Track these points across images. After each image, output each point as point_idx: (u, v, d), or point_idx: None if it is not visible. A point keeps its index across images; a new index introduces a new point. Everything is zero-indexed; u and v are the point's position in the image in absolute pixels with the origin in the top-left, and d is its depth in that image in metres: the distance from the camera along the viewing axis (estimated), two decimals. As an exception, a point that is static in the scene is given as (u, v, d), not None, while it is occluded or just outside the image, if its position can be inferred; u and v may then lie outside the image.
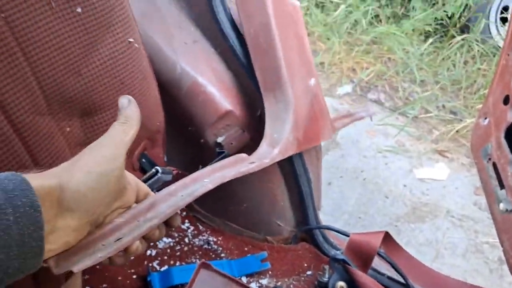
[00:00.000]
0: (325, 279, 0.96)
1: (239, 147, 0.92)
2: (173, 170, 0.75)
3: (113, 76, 0.67)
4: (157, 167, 0.74)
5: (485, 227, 1.75)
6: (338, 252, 1.04)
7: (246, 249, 1.04)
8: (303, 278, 1.02)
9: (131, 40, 0.69)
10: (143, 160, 0.84)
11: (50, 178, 0.46)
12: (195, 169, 0.92)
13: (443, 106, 2.32)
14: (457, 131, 2.14)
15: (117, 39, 0.67)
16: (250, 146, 0.95)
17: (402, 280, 1.03)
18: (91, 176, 0.48)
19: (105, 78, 0.66)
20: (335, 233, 1.12)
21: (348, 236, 1.01)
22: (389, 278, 1.03)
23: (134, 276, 0.93)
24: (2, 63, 0.55)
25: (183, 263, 1.00)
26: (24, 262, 0.41)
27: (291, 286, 1.00)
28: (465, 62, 2.54)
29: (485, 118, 1.23)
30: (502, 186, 1.21)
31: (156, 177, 0.73)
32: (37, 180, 0.43)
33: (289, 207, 1.05)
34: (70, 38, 0.61)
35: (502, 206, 1.17)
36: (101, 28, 0.64)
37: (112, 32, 0.66)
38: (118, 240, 0.53)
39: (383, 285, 0.99)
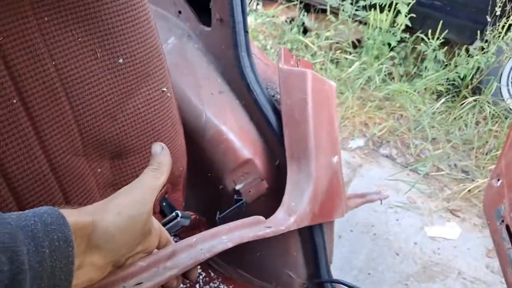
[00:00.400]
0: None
1: (257, 196, 0.94)
2: (192, 215, 0.77)
3: (145, 122, 0.71)
4: (177, 211, 0.76)
5: (497, 291, 1.71)
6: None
7: (256, 298, 1.04)
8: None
9: (164, 89, 0.73)
10: (164, 203, 0.86)
11: (84, 215, 0.48)
12: (212, 214, 0.94)
13: (455, 165, 2.33)
14: (469, 191, 2.13)
15: (152, 88, 0.71)
16: (266, 194, 0.97)
17: None
18: (121, 217, 0.50)
19: (138, 124, 0.70)
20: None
21: (360, 291, 1.01)
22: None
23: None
24: (48, 106, 0.59)
25: (193, 310, 1.00)
26: None
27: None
28: (477, 123, 2.58)
29: (498, 180, 1.25)
30: (515, 250, 1.20)
31: (175, 220, 0.75)
32: (73, 216, 0.46)
33: (302, 259, 1.05)
34: (110, 86, 0.65)
35: (516, 270, 1.16)
36: (139, 77, 0.69)
37: (148, 81, 0.70)
38: (138, 284, 0.54)
39: None
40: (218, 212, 0.92)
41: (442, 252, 1.86)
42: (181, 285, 1.02)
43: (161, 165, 0.56)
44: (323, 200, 0.95)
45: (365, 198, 1.44)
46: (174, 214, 0.76)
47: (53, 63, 0.58)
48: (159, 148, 0.57)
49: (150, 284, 0.54)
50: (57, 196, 0.62)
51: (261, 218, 0.80)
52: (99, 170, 0.69)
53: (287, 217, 0.87)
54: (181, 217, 0.76)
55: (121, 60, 0.66)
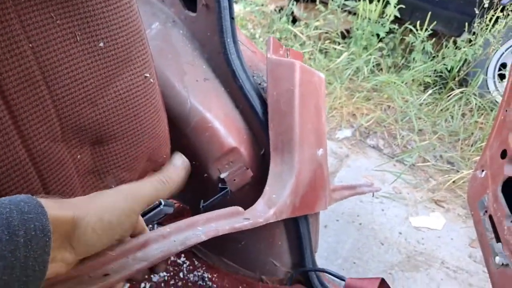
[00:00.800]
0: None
1: (242, 184, 0.94)
2: (175, 203, 0.76)
3: (127, 108, 0.70)
4: (160, 199, 0.75)
5: (480, 281, 1.74)
6: (333, 296, 1.03)
7: (240, 287, 1.04)
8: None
9: (147, 75, 0.72)
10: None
11: (65, 210, 0.47)
12: (196, 203, 0.93)
13: (441, 156, 2.35)
14: (454, 182, 2.15)
15: (134, 73, 0.70)
16: (251, 183, 0.97)
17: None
18: (102, 224, 0.49)
19: (119, 110, 0.69)
20: (330, 277, 1.12)
21: (344, 280, 1.01)
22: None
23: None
24: (25, 90, 0.57)
25: (176, 298, 0.99)
26: (25, 285, 0.40)
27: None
28: (463, 115, 2.60)
29: (482, 171, 1.25)
30: (498, 239, 1.22)
31: (158, 208, 0.74)
32: (53, 209, 0.44)
33: (287, 248, 1.05)
34: (90, 70, 0.64)
35: (498, 260, 1.17)
36: (121, 62, 0.67)
37: (130, 66, 0.68)
38: (105, 275, 0.53)
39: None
40: (202, 200, 0.92)
41: (426, 242, 1.88)
42: (165, 273, 1.01)
43: (170, 182, 0.54)
44: (305, 192, 0.94)
45: (355, 190, 1.45)
46: (157, 202, 0.75)
47: (30, 45, 0.56)
48: (179, 161, 0.54)
49: (118, 277, 0.53)
50: (35, 183, 0.60)
51: (240, 209, 0.79)
52: (79, 156, 0.68)
53: (266, 209, 0.87)
54: (164, 205, 0.75)
55: (101, 44, 0.64)
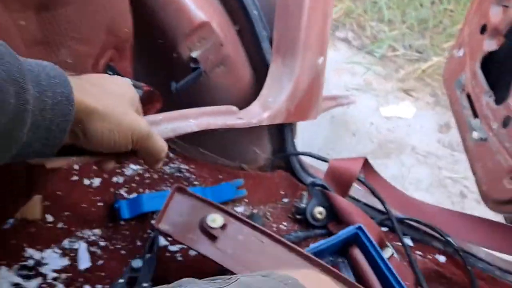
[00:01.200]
0: (303, 205, 0.93)
1: (217, 62, 0.84)
2: (143, 86, 0.67)
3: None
4: (127, 78, 0.65)
5: (448, 164, 1.79)
6: (315, 179, 1.00)
7: (220, 176, 0.99)
8: (279, 206, 0.98)
9: None
10: (110, 72, 0.75)
11: (89, 97, 0.44)
12: (167, 87, 0.83)
13: (410, 46, 2.30)
14: (423, 71, 2.13)
15: None
16: (227, 64, 0.88)
17: (378, 207, 1.02)
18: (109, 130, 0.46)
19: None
20: (311, 162, 1.09)
21: (327, 161, 0.98)
22: (366, 205, 1.02)
23: (100, 204, 0.86)
24: None
25: (152, 191, 0.94)
26: (42, 149, 0.40)
27: (268, 213, 0.96)
28: (432, 2, 2.51)
29: (459, 49, 1.20)
30: (475, 115, 1.21)
31: (125, 89, 0.65)
32: (77, 92, 0.42)
33: (267, 133, 0.99)
34: None
35: (475, 135, 1.17)
36: None
37: None
38: None
39: (360, 211, 0.98)
40: (173, 83, 0.82)
41: (396, 131, 1.90)
42: (138, 166, 0.95)
43: None
44: (300, 100, 0.92)
45: (335, 102, 1.57)
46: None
47: None
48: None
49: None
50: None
51: (234, 108, 0.77)
52: (22, 22, 0.56)
53: (261, 112, 0.85)
54: (132, 85, 0.65)
55: None
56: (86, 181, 0.89)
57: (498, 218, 1.41)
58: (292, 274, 0.50)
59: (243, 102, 0.89)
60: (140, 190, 0.92)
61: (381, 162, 1.76)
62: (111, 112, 0.45)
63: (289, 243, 0.76)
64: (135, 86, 0.67)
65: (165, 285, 0.49)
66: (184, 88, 0.80)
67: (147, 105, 0.85)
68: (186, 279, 0.47)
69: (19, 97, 0.35)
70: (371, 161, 1.76)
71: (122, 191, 0.90)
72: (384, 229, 1.01)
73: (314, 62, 0.92)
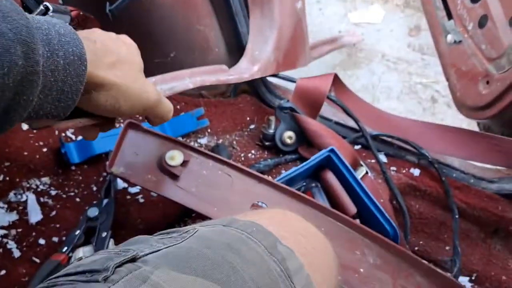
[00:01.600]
0: (271, 131, 0.87)
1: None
2: (72, 11, 0.55)
3: None
4: (46, 3, 0.53)
5: (418, 69, 1.73)
6: (283, 101, 0.93)
7: (178, 107, 0.90)
8: (246, 133, 0.91)
9: None
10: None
11: (101, 67, 0.41)
12: (101, 8, 0.71)
13: None
14: (392, -31, 1.98)
15: None
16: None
17: (350, 124, 0.97)
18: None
19: None
20: (278, 83, 1.01)
21: (294, 81, 0.90)
22: (337, 123, 0.96)
23: (44, 149, 0.77)
24: None
25: (103, 130, 0.84)
26: (55, 111, 0.38)
27: (234, 142, 0.89)
28: None
29: None
30: (449, 16, 1.12)
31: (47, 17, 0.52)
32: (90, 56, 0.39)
33: (225, 53, 0.89)
34: None
35: (450, 37, 1.09)
36: None
37: None
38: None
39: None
40: (108, 3, 0.70)
41: (366, 37, 1.80)
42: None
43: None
44: (287, 48, 0.90)
45: (335, 44, 1.48)
46: (42, 7, 0.53)
47: None
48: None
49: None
50: None
51: (224, 67, 0.76)
52: None
53: (250, 66, 0.84)
54: (54, 11, 0.53)
55: None
56: (25, 126, 0.78)
57: (472, 124, 1.39)
58: (257, 218, 0.45)
59: (195, 21, 0.78)
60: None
61: (351, 73, 1.69)
62: (120, 82, 0.43)
63: (258, 174, 0.70)
64: (59, 11, 0.55)
65: (115, 246, 0.42)
66: (121, 9, 0.68)
67: (84, 26, 0.73)
68: (138, 237, 0.42)
69: (28, 58, 0.32)
70: (340, 73, 1.69)
71: (69, 133, 0.80)
72: (357, 147, 0.97)
73: (293, 6, 0.88)
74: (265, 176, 0.71)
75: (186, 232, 0.41)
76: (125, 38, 0.49)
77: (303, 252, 0.43)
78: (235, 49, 0.89)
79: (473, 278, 0.96)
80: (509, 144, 0.85)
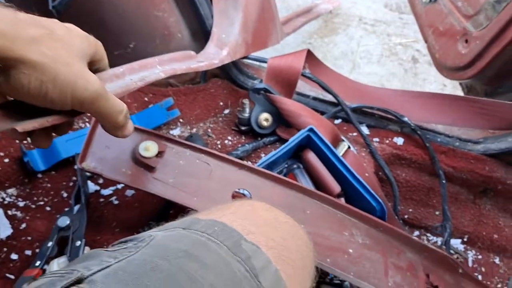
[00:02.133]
0: (246, 115, 0.83)
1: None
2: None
3: None
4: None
5: (397, 29, 1.69)
6: (256, 82, 0.88)
7: (146, 99, 0.85)
8: (221, 119, 0.87)
9: None
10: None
11: (20, 40, 0.35)
12: (43, 5, 0.65)
13: None
14: None
15: None
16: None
17: (329, 98, 0.93)
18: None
19: None
20: (251, 62, 0.96)
21: (265, 62, 0.85)
22: (315, 98, 0.93)
23: (6, 160, 0.72)
24: None
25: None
26: None
27: (209, 130, 0.85)
28: None
29: None
30: (424, -26, 1.06)
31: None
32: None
33: (189, 37, 0.84)
34: None
35: (425, -3, 1.04)
36: None
37: None
38: None
39: (309, 107, 0.88)
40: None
41: (341, 2, 1.74)
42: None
43: None
44: (255, 28, 0.85)
45: (311, 14, 1.40)
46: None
47: None
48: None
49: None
50: None
51: (192, 53, 0.71)
52: None
53: (219, 51, 0.79)
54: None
55: None
56: (-17, 139, 0.73)
57: (455, 83, 1.36)
58: (221, 215, 0.42)
59: (151, 8, 0.72)
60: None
61: (328, 40, 1.64)
62: (47, 62, 0.37)
63: (237, 160, 0.67)
64: None
65: (62, 267, 0.39)
66: (65, 4, 0.62)
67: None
68: (90, 252, 0.40)
69: None
70: (317, 41, 1.64)
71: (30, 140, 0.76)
72: (338, 121, 0.93)
73: (257, -16, 0.84)
74: (245, 162, 0.68)
75: (141, 240, 0.38)
76: (70, 25, 0.43)
77: (271, 245, 0.41)
78: (200, 33, 0.83)
79: (465, 239, 0.95)
80: (492, 106, 0.83)
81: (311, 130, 0.77)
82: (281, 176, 0.67)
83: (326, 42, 1.63)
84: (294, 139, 0.77)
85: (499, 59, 0.89)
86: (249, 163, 0.67)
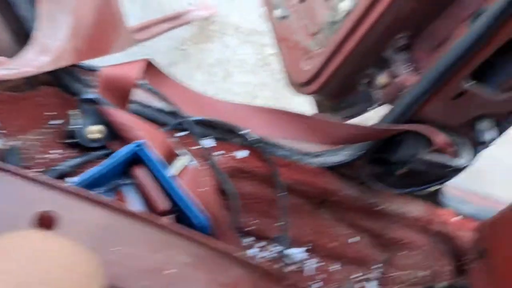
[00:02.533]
0: (71, 127, 0.78)
1: None
2: None
3: None
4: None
5: (271, 39, 1.73)
6: (85, 92, 0.84)
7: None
8: (48, 131, 0.82)
9: None
10: None
11: None
12: None
13: None
14: None
15: None
16: None
17: (171, 110, 0.92)
18: None
19: None
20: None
21: (95, 70, 0.82)
22: (157, 110, 0.91)
23: None
24: None
25: None
26: None
27: (36, 143, 0.79)
28: None
29: None
30: (276, -10, 1.09)
31: None
32: None
33: (12, 41, 0.78)
34: None
35: (278, 12, 1.08)
36: None
37: None
38: None
39: (148, 118, 0.86)
40: None
41: (218, 9, 1.75)
42: None
43: None
44: (90, 34, 0.81)
45: (179, 20, 1.39)
46: None
47: None
48: None
49: None
50: None
51: (3, 58, 0.69)
52: None
53: (39, 57, 0.74)
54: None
55: None
56: None
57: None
58: None
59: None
60: None
61: (204, 47, 1.63)
62: None
63: (45, 178, 0.63)
64: None
65: None
66: None
67: None
68: None
69: None
70: (192, 47, 1.63)
71: None
72: (183, 133, 0.92)
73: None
74: (55, 181, 0.64)
75: None
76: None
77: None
78: (25, 37, 0.77)
79: (309, 248, 1.00)
80: (318, 124, 0.88)
81: (139, 145, 0.76)
82: (95, 196, 0.64)
83: (201, 49, 1.62)
84: (119, 154, 0.74)
85: (336, 77, 0.94)
86: (57, 183, 0.63)
